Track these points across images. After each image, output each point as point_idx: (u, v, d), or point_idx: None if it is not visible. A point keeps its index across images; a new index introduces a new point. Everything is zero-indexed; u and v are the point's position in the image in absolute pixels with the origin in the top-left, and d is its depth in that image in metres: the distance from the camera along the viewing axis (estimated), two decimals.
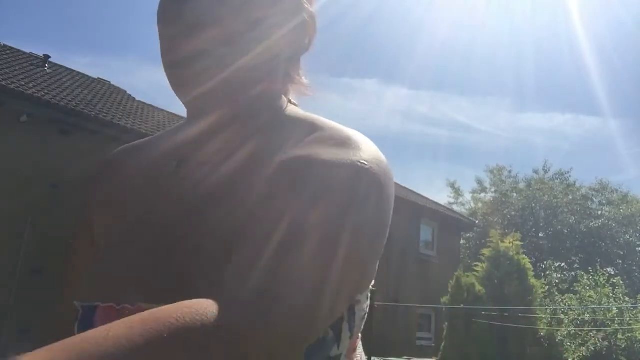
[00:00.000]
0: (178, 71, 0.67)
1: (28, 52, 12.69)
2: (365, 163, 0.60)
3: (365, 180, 0.59)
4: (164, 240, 0.66)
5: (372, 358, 9.30)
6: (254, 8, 0.68)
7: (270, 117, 0.72)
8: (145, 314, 0.42)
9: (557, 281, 27.25)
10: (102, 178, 0.79)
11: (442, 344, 12.43)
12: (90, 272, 0.70)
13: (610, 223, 30.77)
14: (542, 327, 12.72)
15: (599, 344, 12.59)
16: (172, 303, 0.57)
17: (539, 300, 12.94)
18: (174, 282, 0.61)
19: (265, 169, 0.64)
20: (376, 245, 0.60)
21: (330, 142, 0.63)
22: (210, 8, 0.65)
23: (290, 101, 0.77)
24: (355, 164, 0.59)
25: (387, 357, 11.48)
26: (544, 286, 13.75)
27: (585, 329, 13.08)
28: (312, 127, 0.68)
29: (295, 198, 0.57)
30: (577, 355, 12.66)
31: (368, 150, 0.63)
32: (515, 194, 32.77)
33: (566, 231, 31.08)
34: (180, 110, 0.92)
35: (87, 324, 0.64)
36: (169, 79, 0.69)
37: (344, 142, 0.62)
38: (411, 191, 19.39)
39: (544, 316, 13.14)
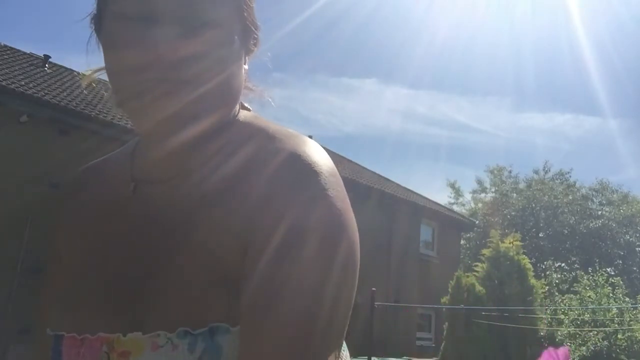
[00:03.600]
0: (175, 73, 0.60)
1: (28, 52, 12.69)
2: (309, 172, 0.60)
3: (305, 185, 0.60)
4: (125, 268, 0.65)
5: (372, 358, 9.29)
6: (253, 8, 0.68)
7: (234, 121, 0.70)
8: None
9: (557, 281, 27.27)
10: (68, 203, 0.77)
11: (442, 344, 12.42)
12: (58, 299, 0.71)
13: (610, 223, 30.76)
14: (542, 327, 12.72)
15: (599, 344, 12.59)
16: (131, 333, 0.59)
17: (539, 300, 12.93)
18: (133, 312, 0.62)
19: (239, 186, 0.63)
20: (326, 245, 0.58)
21: (276, 153, 0.63)
22: (212, 7, 0.62)
23: (243, 105, 0.74)
24: (295, 173, 0.60)
25: (387, 357, 11.47)
26: (544, 286, 13.74)
27: (585, 329, 13.08)
28: (267, 139, 0.66)
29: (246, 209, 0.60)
30: (577, 355, 12.66)
31: (314, 159, 0.62)
32: (515, 194, 32.78)
33: (566, 231, 31.06)
34: None
35: (57, 352, 0.66)
36: (152, 85, 0.60)
37: (290, 155, 0.62)
38: (411, 191, 19.38)
39: (544, 316, 13.14)
